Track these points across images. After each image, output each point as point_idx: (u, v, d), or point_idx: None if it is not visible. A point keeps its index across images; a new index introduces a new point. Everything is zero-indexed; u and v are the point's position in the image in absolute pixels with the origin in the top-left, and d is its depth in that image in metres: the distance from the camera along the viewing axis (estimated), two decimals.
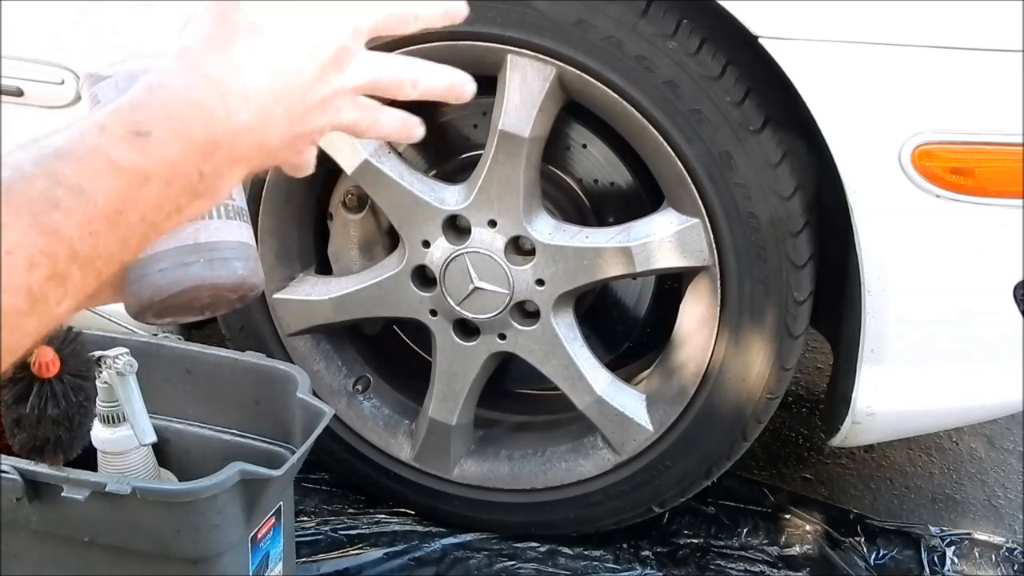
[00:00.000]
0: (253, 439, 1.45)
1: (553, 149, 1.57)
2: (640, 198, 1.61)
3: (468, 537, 1.73)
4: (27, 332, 0.49)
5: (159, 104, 0.54)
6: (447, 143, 1.70)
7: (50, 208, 0.49)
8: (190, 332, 1.79)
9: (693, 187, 1.40)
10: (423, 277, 1.59)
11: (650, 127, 1.38)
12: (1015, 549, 1.78)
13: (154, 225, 0.54)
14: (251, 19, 0.58)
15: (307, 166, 0.66)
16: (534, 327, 1.56)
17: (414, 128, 0.70)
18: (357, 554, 1.69)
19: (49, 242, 0.49)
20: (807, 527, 1.81)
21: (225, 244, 0.66)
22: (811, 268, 1.43)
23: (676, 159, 1.39)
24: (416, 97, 0.67)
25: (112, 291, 0.69)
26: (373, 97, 0.66)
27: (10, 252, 0.47)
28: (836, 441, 1.52)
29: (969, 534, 1.81)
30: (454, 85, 0.68)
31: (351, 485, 1.81)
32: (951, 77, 1.24)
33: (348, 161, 1.53)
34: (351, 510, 1.79)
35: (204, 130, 0.55)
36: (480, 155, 1.50)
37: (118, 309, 0.70)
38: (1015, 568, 1.75)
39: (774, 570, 1.71)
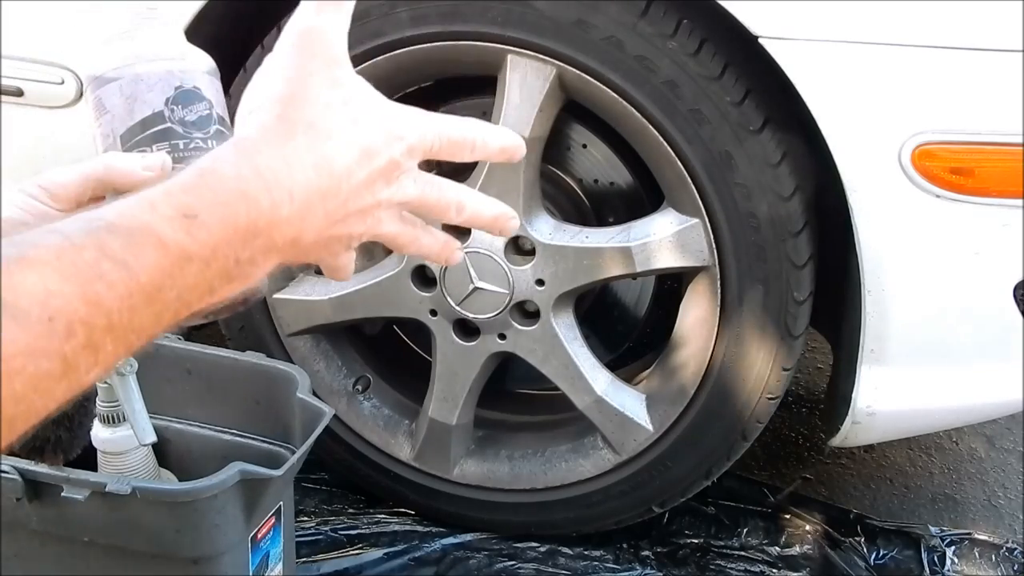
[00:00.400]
0: (253, 439, 1.45)
1: (553, 149, 1.56)
2: (640, 198, 1.61)
3: (468, 537, 1.73)
4: (56, 397, 0.50)
5: (209, 189, 0.56)
6: None
7: (95, 279, 0.50)
8: (190, 332, 1.79)
9: (693, 187, 1.40)
10: (423, 277, 1.59)
11: (650, 127, 1.39)
12: (1015, 549, 1.78)
13: (187, 304, 0.55)
14: (311, 119, 0.60)
15: (343, 270, 0.66)
16: (534, 327, 1.56)
17: (453, 254, 0.71)
18: (357, 554, 1.69)
19: (90, 312, 0.49)
20: (807, 527, 1.81)
21: None
22: (811, 268, 1.43)
23: (676, 159, 1.39)
24: (459, 223, 0.68)
25: None
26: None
27: (53, 318, 0.48)
28: (836, 441, 1.52)
29: (969, 534, 1.81)
30: (499, 217, 0.69)
31: (351, 485, 1.81)
32: (951, 77, 1.24)
33: None
34: (351, 510, 1.79)
35: (247, 218, 0.56)
36: None
37: None
38: (1015, 568, 1.75)
39: (774, 570, 1.71)
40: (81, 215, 0.53)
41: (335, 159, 0.60)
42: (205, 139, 0.68)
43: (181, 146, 0.67)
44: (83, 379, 0.51)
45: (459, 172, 1.62)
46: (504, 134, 0.68)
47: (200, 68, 0.71)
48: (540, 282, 1.52)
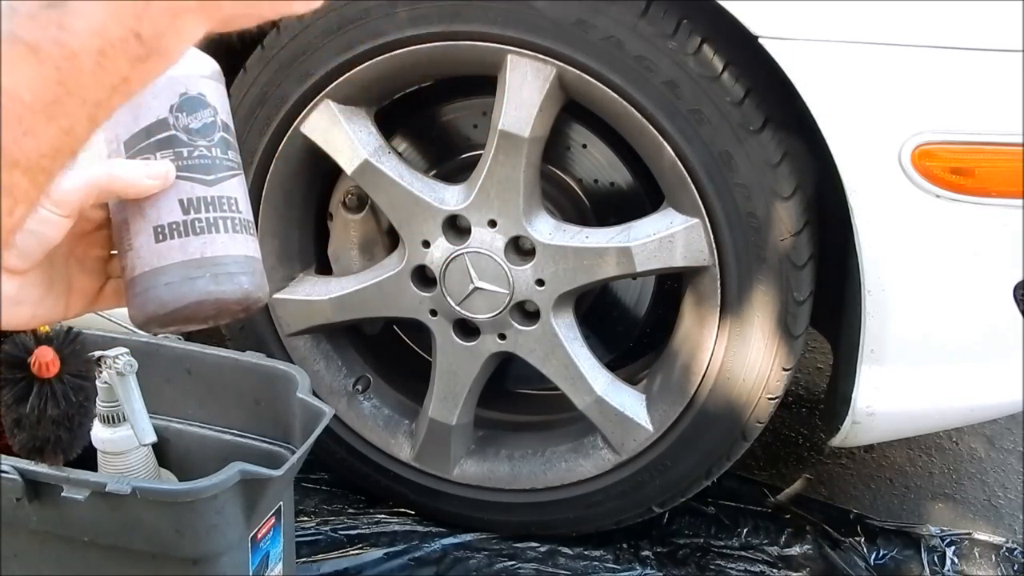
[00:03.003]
0: (253, 439, 1.45)
1: (553, 149, 1.57)
2: (640, 198, 1.61)
3: (468, 537, 1.73)
4: None
5: None
6: (447, 143, 1.70)
7: None
8: (190, 332, 1.79)
9: (693, 187, 1.40)
10: (423, 277, 1.59)
11: (650, 127, 1.38)
12: (1015, 549, 1.78)
13: (99, 104, 0.48)
14: None
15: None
16: (534, 327, 1.56)
17: None
18: (357, 554, 1.69)
19: None
20: (807, 527, 1.81)
21: (231, 258, 0.65)
22: (811, 268, 1.43)
23: (676, 159, 1.39)
24: None
25: (117, 296, 0.69)
26: None
27: None
28: (836, 441, 1.52)
29: (969, 534, 1.81)
30: None
31: (351, 485, 1.81)
32: (951, 77, 1.24)
33: (348, 161, 1.53)
34: (351, 510, 1.79)
35: None
36: (480, 155, 1.50)
37: (118, 309, 0.70)
38: (1015, 568, 1.75)
39: (774, 570, 1.71)
40: None
41: None
42: (209, 147, 0.67)
43: (185, 154, 0.66)
44: (8, 222, 0.46)
45: (459, 171, 1.63)
46: None
47: (204, 73, 0.71)
48: (540, 282, 1.52)
